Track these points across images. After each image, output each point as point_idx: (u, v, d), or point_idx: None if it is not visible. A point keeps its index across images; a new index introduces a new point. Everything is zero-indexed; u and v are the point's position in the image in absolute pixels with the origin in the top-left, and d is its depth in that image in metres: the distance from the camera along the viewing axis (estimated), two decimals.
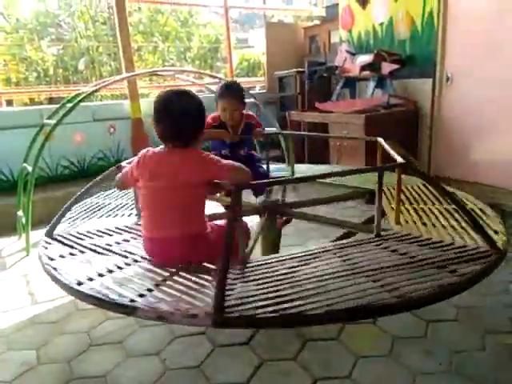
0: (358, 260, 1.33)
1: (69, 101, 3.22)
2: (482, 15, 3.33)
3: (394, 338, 1.72)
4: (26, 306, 2.19)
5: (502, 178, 3.31)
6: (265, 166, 2.47)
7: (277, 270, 1.28)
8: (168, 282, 1.24)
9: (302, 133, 4.58)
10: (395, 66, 3.83)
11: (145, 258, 1.45)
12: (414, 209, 1.81)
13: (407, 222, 1.66)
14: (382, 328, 1.79)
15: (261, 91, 5.71)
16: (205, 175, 1.38)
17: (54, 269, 1.33)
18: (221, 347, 1.73)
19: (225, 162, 1.43)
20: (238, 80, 5.82)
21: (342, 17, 4.63)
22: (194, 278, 1.26)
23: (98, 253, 1.50)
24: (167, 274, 1.31)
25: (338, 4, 4.68)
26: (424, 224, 1.62)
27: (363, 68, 4.00)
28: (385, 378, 1.52)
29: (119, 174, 1.57)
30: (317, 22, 5.49)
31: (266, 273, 1.28)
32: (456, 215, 1.69)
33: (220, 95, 2.23)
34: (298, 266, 1.32)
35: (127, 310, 1.09)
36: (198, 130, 1.45)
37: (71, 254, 1.48)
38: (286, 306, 1.05)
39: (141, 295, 1.16)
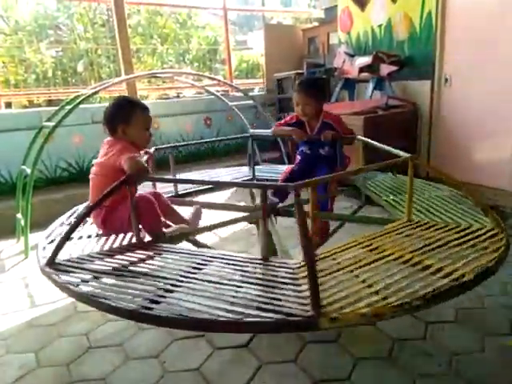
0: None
1: (68, 103, 3.23)
2: (481, 16, 3.34)
3: (394, 339, 1.72)
4: (24, 309, 2.18)
5: (501, 179, 3.31)
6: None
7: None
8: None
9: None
10: (394, 68, 3.84)
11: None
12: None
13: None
14: (381, 330, 1.79)
15: (260, 93, 5.72)
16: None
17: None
18: (220, 349, 1.72)
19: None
20: (237, 82, 5.83)
21: (340, 19, 4.64)
22: None
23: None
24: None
25: (336, 6, 4.69)
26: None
27: (362, 69, 4.01)
28: (384, 380, 1.52)
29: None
30: (316, 23, 5.50)
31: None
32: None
33: (294, 89, 2.29)
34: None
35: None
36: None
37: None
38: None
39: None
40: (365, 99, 4.14)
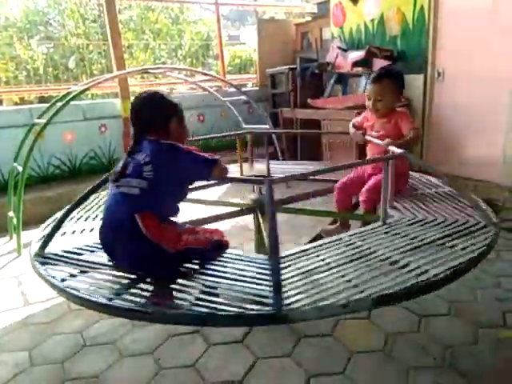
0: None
1: (59, 100, 3.19)
2: (473, 11, 3.34)
3: (388, 333, 1.73)
4: (18, 308, 2.17)
5: (494, 172, 3.33)
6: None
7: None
8: None
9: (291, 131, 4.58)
10: (386, 63, 3.84)
11: None
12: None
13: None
14: (375, 323, 1.80)
15: (253, 88, 5.70)
16: None
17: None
18: (215, 345, 1.72)
19: None
20: (230, 77, 5.81)
21: (333, 13, 4.63)
22: None
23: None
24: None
25: (329, 0, 4.67)
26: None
27: (355, 64, 4.00)
28: (379, 373, 1.53)
29: (413, 135, 1.84)
30: (308, 18, 5.48)
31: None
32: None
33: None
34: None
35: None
36: None
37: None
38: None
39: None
40: (358, 94, 4.14)
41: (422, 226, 1.51)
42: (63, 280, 1.26)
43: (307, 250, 1.39)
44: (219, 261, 1.35)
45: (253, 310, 1.02)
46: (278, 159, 3.75)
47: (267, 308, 1.03)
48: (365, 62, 3.93)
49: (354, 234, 1.49)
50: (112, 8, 4.10)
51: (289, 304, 1.03)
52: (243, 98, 4.25)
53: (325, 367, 1.56)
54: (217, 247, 1.41)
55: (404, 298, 1.11)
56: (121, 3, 7.08)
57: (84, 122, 4.13)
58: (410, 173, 2.11)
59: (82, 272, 1.33)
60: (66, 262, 1.38)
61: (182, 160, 1.37)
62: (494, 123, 3.30)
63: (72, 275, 1.30)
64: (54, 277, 1.27)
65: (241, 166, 2.61)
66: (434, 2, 3.62)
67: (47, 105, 3.26)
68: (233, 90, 4.52)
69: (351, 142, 3.62)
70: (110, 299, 1.13)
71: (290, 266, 1.28)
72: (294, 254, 1.36)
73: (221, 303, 1.07)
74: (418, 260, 1.23)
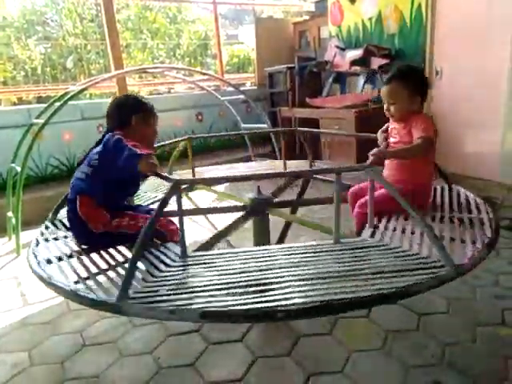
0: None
1: (57, 100, 3.19)
2: (470, 8, 3.35)
3: (387, 331, 1.74)
4: (17, 308, 2.17)
5: (492, 170, 3.34)
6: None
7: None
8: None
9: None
10: (385, 61, 3.84)
11: None
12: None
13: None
14: (374, 321, 1.80)
15: (251, 87, 5.70)
16: None
17: None
18: (214, 344, 1.73)
19: None
20: (228, 76, 5.80)
21: (331, 12, 4.63)
22: None
23: None
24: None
25: None
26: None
27: (353, 63, 4.01)
28: (378, 371, 1.53)
29: (415, 145, 1.55)
30: (306, 17, 5.48)
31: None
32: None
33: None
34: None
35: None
36: None
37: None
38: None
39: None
40: (356, 93, 4.14)
41: (379, 251, 1.29)
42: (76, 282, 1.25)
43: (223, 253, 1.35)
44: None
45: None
46: (276, 158, 3.74)
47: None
48: (363, 61, 3.94)
49: (304, 246, 1.35)
50: (110, 7, 4.10)
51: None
52: (241, 97, 4.25)
53: (324, 366, 1.57)
54: (157, 236, 1.49)
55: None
56: (118, 3, 7.07)
57: (82, 121, 4.13)
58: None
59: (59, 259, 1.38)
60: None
61: (117, 152, 1.45)
62: (492, 121, 3.30)
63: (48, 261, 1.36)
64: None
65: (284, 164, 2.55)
66: (431, 0, 3.62)
67: (45, 105, 3.26)
68: (231, 89, 4.52)
69: (350, 141, 3.63)
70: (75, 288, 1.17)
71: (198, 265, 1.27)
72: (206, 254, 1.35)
73: None
74: (303, 286, 1.09)
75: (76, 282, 1.21)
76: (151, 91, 5.70)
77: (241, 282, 1.13)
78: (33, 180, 3.83)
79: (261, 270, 1.19)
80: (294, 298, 1.02)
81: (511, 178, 3.15)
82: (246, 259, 1.27)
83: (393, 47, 3.98)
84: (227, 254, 1.34)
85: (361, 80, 4.08)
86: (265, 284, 1.11)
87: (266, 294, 1.05)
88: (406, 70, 1.67)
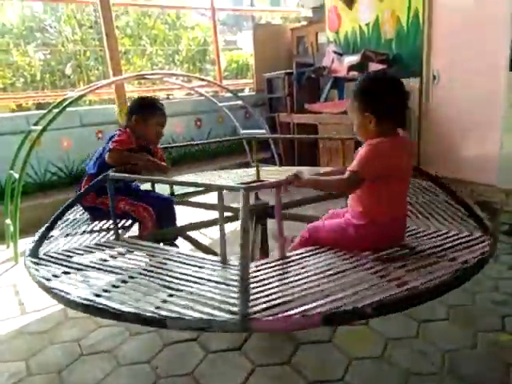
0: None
1: (55, 106, 3.19)
2: (467, 13, 3.36)
3: (387, 338, 1.72)
4: (14, 317, 2.15)
5: (491, 175, 3.33)
6: None
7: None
8: None
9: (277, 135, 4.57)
10: (382, 66, 3.85)
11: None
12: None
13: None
14: (374, 329, 1.79)
15: (250, 93, 5.71)
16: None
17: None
18: (213, 353, 1.71)
19: None
20: (227, 82, 5.82)
21: (328, 17, 4.65)
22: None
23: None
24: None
25: (324, 5, 4.69)
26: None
27: (351, 68, 4.01)
28: (378, 379, 1.52)
29: (338, 178, 1.33)
30: (304, 23, 5.50)
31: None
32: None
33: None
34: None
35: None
36: None
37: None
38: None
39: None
40: None
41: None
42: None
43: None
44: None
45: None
46: (275, 164, 3.74)
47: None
48: (360, 66, 3.94)
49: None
50: (108, 14, 4.11)
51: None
52: (240, 102, 4.26)
53: (324, 374, 1.55)
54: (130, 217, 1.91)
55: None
56: (117, 9, 7.10)
57: (81, 128, 4.13)
58: None
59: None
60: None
61: (107, 143, 1.94)
62: (490, 125, 3.30)
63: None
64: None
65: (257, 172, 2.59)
66: (428, 5, 3.63)
67: (44, 111, 3.26)
68: (230, 95, 4.52)
69: (348, 146, 3.62)
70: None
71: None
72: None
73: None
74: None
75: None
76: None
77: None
78: (31, 187, 3.83)
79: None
80: None
81: (510, 183, 3.15)
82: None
83: (390, 52, 3.99)
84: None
85: None
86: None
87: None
88: (364, 81, 1.38)
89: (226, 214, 2.13)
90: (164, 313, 1.01)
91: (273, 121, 4.85)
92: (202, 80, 4.70)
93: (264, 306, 1.02)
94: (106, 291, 1.17)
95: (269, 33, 5.49)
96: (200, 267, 1.29)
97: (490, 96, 3.25)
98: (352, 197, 1.40)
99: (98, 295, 1.14)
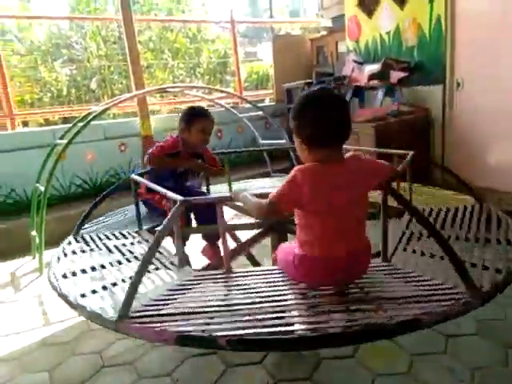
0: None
1: (80, 120, 3.27)
2: (491, 18, 3.29)
3: (412, 354, 1.66)
4: (38, 327, 2.18)
5: None
6: None
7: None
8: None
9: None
10: (404, 74, 3.80)
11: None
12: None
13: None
14: (399, 344, 1.73)
15: (270, 103, 5.72)
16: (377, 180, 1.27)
17: None
18: (233, 367, 1.69)
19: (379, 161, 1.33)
20: (247, 93, 5.85)
21: (348, 27, 4.63)
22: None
23: None
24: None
25: (343, 15, 4.68)
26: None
27: (371, 77, 3.98)
28: None
29: (259, 203, 1.23)
30: (324, 32, 5.50)
31: None
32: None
33: None
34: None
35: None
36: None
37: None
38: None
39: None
40: (375, 107, 4.10)
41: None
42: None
43: None
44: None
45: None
46: None
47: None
48: (381, 75, 3.90)
49: None
50: (130, 30, 4.21)
51: None
52: (260, 113, 4.27)
53: None
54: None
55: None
56: (140, 25, 7.27)
57: (104, 141, 4.21)
58: None
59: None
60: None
61: None
62: None
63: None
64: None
65: None
66: (450, 11, 3.58)
67: (69, 125, 3.34)
68: (250, 105, 4.54)
69: (369, 155, 3.57)
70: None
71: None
72: None
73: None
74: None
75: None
76: (172, 110, 5.80)
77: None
78: (56, 199, 3.91)
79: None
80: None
81: None
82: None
83: (412, 60, 3.94)
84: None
85: (379, 94, 4.04)
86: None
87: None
88: (297, 102, 1.22)
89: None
90: None
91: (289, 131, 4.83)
92: (222, 92, 4.74)
93: (148, 313, 1.12)
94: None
95: (288, 43, 5.51)
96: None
97: None
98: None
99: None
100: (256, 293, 1.22)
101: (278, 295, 1.20)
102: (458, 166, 3.73)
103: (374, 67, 3.98)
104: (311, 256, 1.23)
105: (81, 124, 3.06)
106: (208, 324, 1.05)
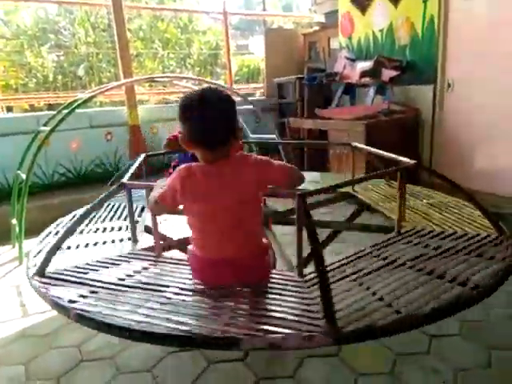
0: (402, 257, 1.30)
1: (65, 107, 3.18)
2: (483, 20, 3.29)
3: (396, 354, 1.66)
4: (16, 318, 2.13)
5: (508, 185, 3.25)
6: None
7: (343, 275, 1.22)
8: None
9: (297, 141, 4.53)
10: (395, 73, 3.79)
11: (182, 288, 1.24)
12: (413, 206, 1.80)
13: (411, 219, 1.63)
14: (383, 343, 1.72)
15: (260, 98, 5.67)
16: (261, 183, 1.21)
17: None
18: (215, 364, 1.66)
19: (276, 162, 1.23)
20: (238, 86, 5.80)
21: (341, 23, 4.60)
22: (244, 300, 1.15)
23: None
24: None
25: (337, 10, 4.65)
26: (429, 220, 1.62)
27: (363, 74, 3.96)
28: None
29: (155, 197, 1.23)
30: (316, 28, 5.46)
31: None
32: (455, 209, 1.72)
33: None
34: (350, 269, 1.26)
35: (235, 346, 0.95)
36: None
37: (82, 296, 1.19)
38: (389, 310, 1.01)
39: (227, 324, 1.00)
40: (366, 104, 4.09)
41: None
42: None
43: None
44: None
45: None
46: None
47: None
48: (373, 72, 3.88)
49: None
50: (120, 17, 4.12)
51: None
52: (250, 107, 4.22)
53: None
54: None
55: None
56: (131, 13, 7.13)
57: (90, 129, 4.12)
58: None
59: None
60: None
61: None
62: (507, 134, 3.22)
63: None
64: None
65: None
66: (443, 12, 3.57)
67: (54, 112, 3.26)
68: (240, 99, 4.49)
69: (359, 154, 3.56)
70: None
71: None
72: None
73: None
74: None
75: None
76: (160, 100, 5.71)
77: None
78: (39, 187, 3.82)
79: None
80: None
81: None
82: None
83: (404, 59, 3.93)
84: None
85: (371, 91, 4.03)
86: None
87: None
88: (180, 101, 1.19)
89: None
90: None
91: (283, 126, 4.80)
92: (213, 84, 4.67)
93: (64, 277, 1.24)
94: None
95: (281, 37, 5.45)
96: None
97: (508, 104, 3.17)
98: None
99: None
100: (166, 281, 1.24)
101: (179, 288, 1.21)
102: (445, 166, 3.75)
103: (366, 64, 3.96)
104: (196, 255, 1.25)
105: (66, 111, 2.97)
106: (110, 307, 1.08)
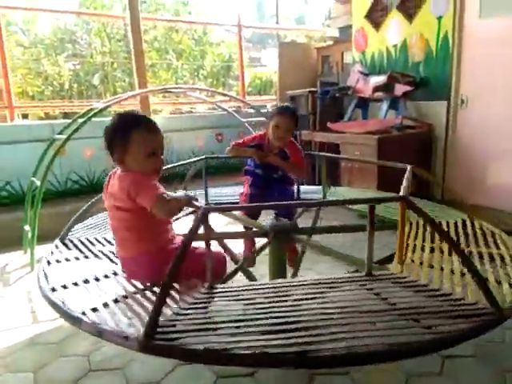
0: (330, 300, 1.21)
1: (81, 116, 3.23)
2: (498, 37, 3.28)
3: (408, 375, 1.63)
4: (26, 325, 2.13)
5: None
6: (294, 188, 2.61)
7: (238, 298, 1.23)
8: (128, 300, 1.28)
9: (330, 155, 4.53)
10: (409, 88, 3.79)
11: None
12: (425, 247, 1.62)
13: (413, 261, 1.49)
14: (395, 363, 1.69)
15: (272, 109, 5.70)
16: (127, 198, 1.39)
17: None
18: (224, 378, 1.65)
19: (153, 189, 1.34)
20: (250, 98, 5.84)
21: (355, 38, 4.63)
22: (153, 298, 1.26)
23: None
24: (132, 290, 1.35)
25: (351, 25, 4.68)
26: (430, 266, 1.44)
27: (376, 89, 3.96)
28: None
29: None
30: (330, 42, 5.50)
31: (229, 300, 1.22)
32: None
33: (276, 112, 2.40)
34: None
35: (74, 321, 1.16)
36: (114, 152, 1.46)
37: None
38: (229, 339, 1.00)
39: (94, 309, 1.20)
40: (378, 119, 4.09)
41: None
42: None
43: None
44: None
45: None
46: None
47: None
48: (386, 87, 3.89)
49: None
50: (137, 28, 4.19)
51: None
52: (262, 119, 4.24)
53: None
54: None
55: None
56: (146, 24, 7.26)
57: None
58: None
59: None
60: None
61: None
62: None
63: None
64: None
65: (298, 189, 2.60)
66: (458, 28, 3.57)
67: (69, 120, 3.30)
68: (252, 110, 4.52)
69: (371, 167, 3.55)
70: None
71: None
72: None
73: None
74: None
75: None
76: (174, 110, 5.77)
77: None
78: (52, 194, 3.86)
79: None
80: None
81: None
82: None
83: (417, 75, 3.93)
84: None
85: (384, 106, 4.03)
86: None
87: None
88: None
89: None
90: None
91: (295, 138, 4.80)
92: (225, 95, 4.72)
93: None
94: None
95: (294, 51, 5.49)
96: None
97: None
98: None
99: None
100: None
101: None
102: (458, 183, 3.72)
103: (380, 79, 3.96)
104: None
105: (81, 120, 3.02)
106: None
